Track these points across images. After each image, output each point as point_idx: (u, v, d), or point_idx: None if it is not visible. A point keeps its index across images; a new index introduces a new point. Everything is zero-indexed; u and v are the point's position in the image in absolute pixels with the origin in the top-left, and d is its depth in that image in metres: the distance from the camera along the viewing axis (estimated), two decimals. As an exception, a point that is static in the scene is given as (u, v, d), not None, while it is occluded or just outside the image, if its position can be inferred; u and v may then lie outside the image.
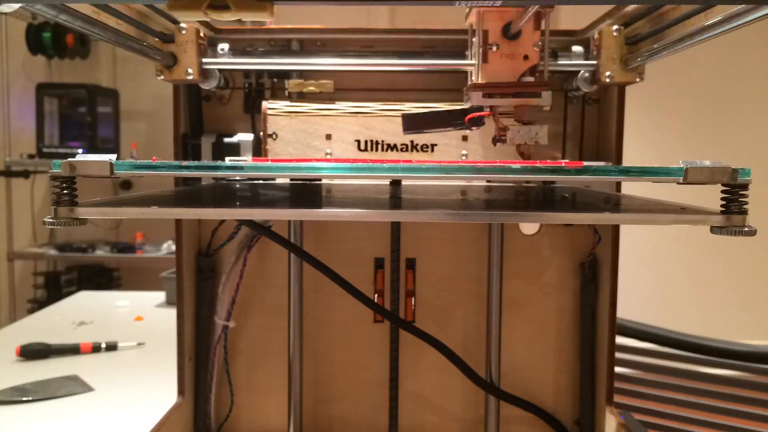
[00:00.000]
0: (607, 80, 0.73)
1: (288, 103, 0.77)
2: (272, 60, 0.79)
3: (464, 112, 0.68)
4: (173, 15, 0.42)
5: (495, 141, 0.72)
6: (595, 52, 0.74)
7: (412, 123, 0.71)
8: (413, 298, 0.85)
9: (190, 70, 0.74)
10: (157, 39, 0.73)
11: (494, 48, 0.66)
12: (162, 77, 0.74)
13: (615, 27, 0.72)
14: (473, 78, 0.69)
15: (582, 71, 0.76)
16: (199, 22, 0.75)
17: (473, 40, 0.69)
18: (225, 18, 0.40)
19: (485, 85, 0.66)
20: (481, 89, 0.66)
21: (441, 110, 0.71)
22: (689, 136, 2.80)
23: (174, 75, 0.74)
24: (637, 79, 0.73)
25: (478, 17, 0.66)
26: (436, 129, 0.71)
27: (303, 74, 0.83)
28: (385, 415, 0.86)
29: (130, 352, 1.22)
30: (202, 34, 0.75)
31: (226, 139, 0.82)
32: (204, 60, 0.75)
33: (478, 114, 0.68)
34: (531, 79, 0.67)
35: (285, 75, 0.83)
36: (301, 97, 0.83)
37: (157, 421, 0.76)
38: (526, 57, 0.66)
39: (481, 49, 0.66)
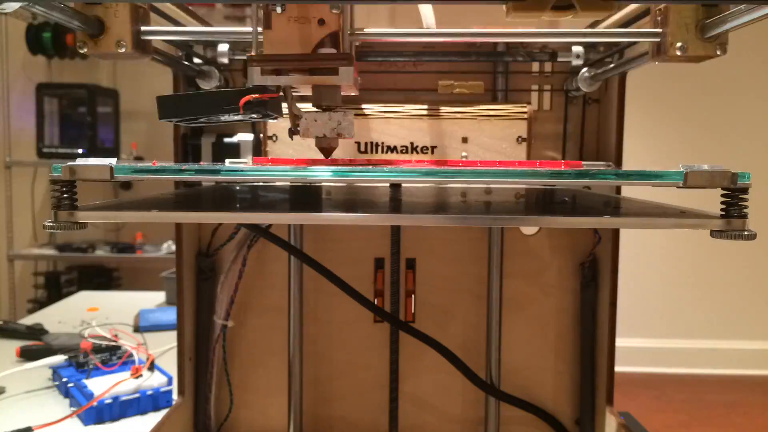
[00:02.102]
0: (678, 53, 0.57)
1: (297, 92, 0.76)
2: (228, 29, 0.70)
3: (240, 94, 0.51)
4: (515, 17, 0.38)
5: (291, 133, 0.58)
6: (660, 18, 0.57)
7: (169, 108, 0.54)
8: (413, 298, 0.85)
9: (122, 42, 0.58)
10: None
11: (279, 9, 0.52)
12: (85, 50, 0.59)
13: None
14: (253, 50, 0.55)
15: (583, 71, 0.76)
16: (199, 21, 0.75)
17: None
18: (568, 17, 0.38)
19: (266, 58, 0.52)
20: (260, 63, 0.52)
21: (207, 92, 0.57)
22: (689, 136, 2.80)
23: (101, 47, 0.58)
24: (718, 52, 0.57)
25: None
26: (202, 116, 0.54)
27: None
28: (385, 416, 0.86)
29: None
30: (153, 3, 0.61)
31: (226, 139, 0.82)
32: (143, 28, 0.60)
33: (257, 96, 0.51)
34: (332, 50, 0.53)
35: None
36: (301, 98, 0.83)
37: (157, 421, 0.76)
38: (321, 22, 0.52)
39: (262, 11, 0.52)
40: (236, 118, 0.53)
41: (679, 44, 0.56)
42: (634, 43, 0.65)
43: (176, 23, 0.72)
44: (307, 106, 0.59)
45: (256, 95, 0.51)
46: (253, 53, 0.53)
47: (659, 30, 0.57)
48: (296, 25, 0.52)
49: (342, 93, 0.58)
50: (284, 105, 0.58)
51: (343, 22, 0.52)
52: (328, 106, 0.56)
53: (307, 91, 0.58)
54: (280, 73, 0.52)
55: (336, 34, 0.52)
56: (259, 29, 0.53)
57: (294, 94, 0.56)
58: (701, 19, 0.55)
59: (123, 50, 0.58)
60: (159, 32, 0.61)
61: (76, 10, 0.56)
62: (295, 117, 0.56)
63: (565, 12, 0.38)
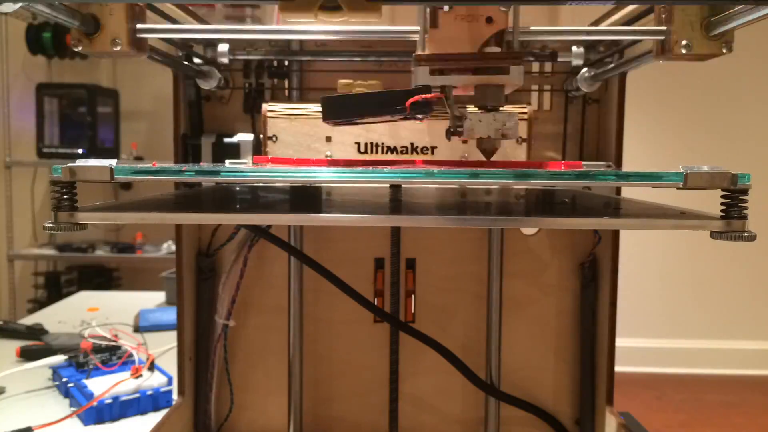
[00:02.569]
0: (683, 51, 0.56)
1: (288, 105, 0.76)
2: (225, 27, 0.72)
3: (405, 95, 0.50)
4: (284, 17, 0.38)
5: (449, 134, 0.56)
6: (664, 16, 0.56)
7: (336, 109, 0.54)
8: (413, 298, 0.85)
9: (118, 40, 0.57)
10: None
11: (446, 7, 0.50)
12: (80, 48, 0.58)
13: None
14: (419, 49, 0.53)
15: (584, 70, 0.76)
16: (199, 21, 0.75)
17: None
18: (336, 19, 0.38)
19: (433, 57, 0.51)
20: (427, 63, 0.51)
21: (375, 93, 0.55)
22: (689, 136, 2.80)
23: (96, 46, 0.57)
24: (724, 50, 0.56)
25: None
26: (368, 117, 0.54)
27: (305, 77, 0.83)
28: (385, 416, 0.86)
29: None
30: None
31: (226, 139, 0.82)
32: (139, 26, 0.59)
33: (423, 96, 0.50)
34: (497, 49, 0.51)
35: (285, 75, 0.83)
36: (303, 98, 0.83)
37: (157, 421, 0.76)
38: (489, 20, 0.50)
39: (428, 9, 0.51)
40: (401, 117, 0.52)
41: (684, 42, 0.55)
42: (638, 41, 0.64)
43: (175, 22, 0.72)
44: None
45: (424, 95, 0.50)
46: (419, 52, 0.52)
47: (664, 28, 0.56)
48: (464, 23, 0.50)
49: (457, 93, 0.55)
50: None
51: (515, 19, 0.51)
52: (493, 107, 0.54)
53: (465, 92, 0.56)
54: (444, 72, 0.51)
55: (502, 32, 0.50)
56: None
57: (453, 93, 0.54)
58: (707, 16, 0.54)
59: (118, 48, 0.57)
60: (155, 30, 0.60)
61: (71, 7, 0.55)
62: (456, 118, 0.54)
63: (332, 13, 0.38)
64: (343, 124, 0.56)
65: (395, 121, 0.55)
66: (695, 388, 2.66)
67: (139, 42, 0.59)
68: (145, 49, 0.60)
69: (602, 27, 0.68)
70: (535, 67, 0.83)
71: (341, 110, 0.53)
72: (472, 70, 0.50)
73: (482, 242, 0.85)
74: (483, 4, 0.52)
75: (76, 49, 0.58)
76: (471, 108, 0.57)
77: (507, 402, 0.84)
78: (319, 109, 0.75)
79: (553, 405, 0.87)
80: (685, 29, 0.55)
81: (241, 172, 0.48)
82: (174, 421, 0.80)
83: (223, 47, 0.78)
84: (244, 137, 0.81)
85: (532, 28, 0.63)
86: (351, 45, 0.82)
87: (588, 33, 0.65)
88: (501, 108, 0.55)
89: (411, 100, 0.49)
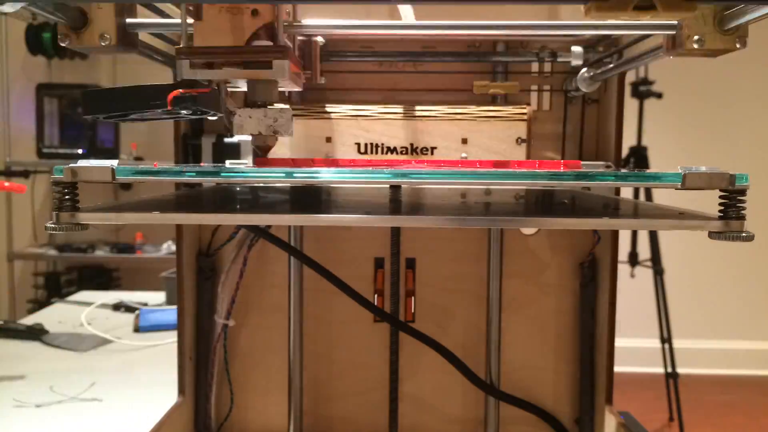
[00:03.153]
0: (695, 46, 0.54)
1: (235, 87, 0.75)
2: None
3: (167, 89, 0.48)
4: (597, 17, 0.37)
5: (225, 130, 0.55)
6: None
7: (95, 104, 0.51)
8: (413, 298, 0.85)
9: (106, 35, 0.55)
10: None
11: None
12: (67, 43, 0.56)
13: None
14: (182, 42, 0.52)
15: (583, 71, 0.76)
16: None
17: None
18: (649, 19, 0.37)
19: (195, 50, 0.49)
20: (189, 56, 0.49)
21: (134, 87, 0.51)
22: (689, 136, 2.80)
23: (84, 40, 0.55)
24: (738, 45, 0.54)
25: None
26: (129, 111, 0.50)
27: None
28: (385, 415, 0.86)
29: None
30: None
31: (227, 139, 0.82)
32: (128, 21, 0.56)
33: (185, 91, 0.47)
34: (267, 43, 0.50)
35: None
36: (303, 99, 0.83)
37: (157, 421, 0.76)
38: (255, 12, 0.49)
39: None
40: (167, 114, 0.49)
41: (696, 37, 0.53)
42: (648, 36, 0.62)
43: (167, 17, 0.71)
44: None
45: (185, 90, 0.47)
46: (181, 45, 0.50)
47: (675, 22, 0.54)
48: (228, 15, 0.49)
49: (282, 89, 0.56)
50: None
51: (279, 13, 0.49)
52: (263, 102, 0.53)
53: (242, 85, 0.55)
54: (212, 66, 0.49)
55: (271, 26, 0.49)
56: (189, 20, 0.50)
57: (230, 89, 0.53)
58: (720, 10, 0.52)
59: (106, 43, 0.55)
60: (145, 25, 0.58)
61: (56, 2, 0.53)
62: (229, 113, 0.53)
63: (646, 12, 0.37)
64: (106, 119, 0.52)
65: (161, 117, 0.51)
66: (695, 388, 2.66)
67: (128, 37, 0.56)
68: (135, 45, 0.58)
69: (611, 22, 0.67)
70: (535, 67, 0.83)
71: (102, 105, 0.51)
72: (242, 64, 0.49)
73: (482, 242, 0.85)
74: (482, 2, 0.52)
75: (62, 44, 0.56)
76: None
77: (506, 401, 0.85)
78: (320, 109, 0.76)
79: (552, 404, 0.87)
80: (697, 23, 0.53)
81: (242, 172, 0.48)
82: (174, 420, 0.80)
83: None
84: (245, 137, 0.81)
85: (537, 22, 0.62)
86: (351, 45, 0.82)
87: (596, 27, 0.63)
88: (275, 105, 0.54)
89: (171, 94, 0.47)
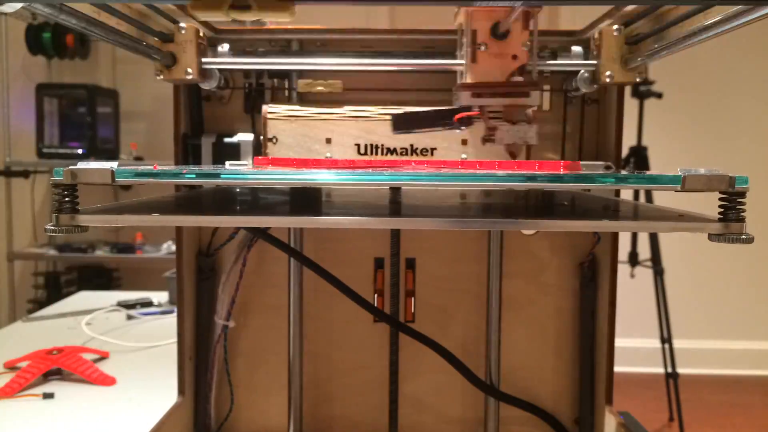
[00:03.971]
0: (608, 80, 0.73)
1: (288, 107, 0.77)
2: (271, 60, 0.79)
3: (453, 112, 0.69)
4: (195, 15, 0.41)
5: (484, 140, 0.73)
6: (595, 52, 0.74)
7: (402, 123, 0.72)
8: (413, 298, 0.85)
9: (189, 70, 0.74)
10: (156, 39, 0.73)
11: (483, 48, 0.66)
12: (161, 77, 0.74)
13: (615, 27, 0.72)
14: (462, 78, 0.69)
15: (582, 71, 0.76)
16: (199, 21, 0.75)
17: (462, 40, 0.69)
18: (246, 18, 0.40)
19: (474, 85, 0.67)
20: (469, 89, 0.67)
21: (430, 110, 0.71)
22: (689, 136, 2.80)
23: (173, 75, 0.74)
24: (638, 79, 0.73)
25: (467, 17, 0.67)
26: (425, 128, 0.72)
27: (305, 74, 0.83)
28: (385, 415, 0.86)
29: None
30: (201, 34, 0.75)
31: (227, 139, 0.82)
32: (204, 60, 0.75)
33: (467, 114, 0.68)
34: (520, 78, 0.67)
35: (285, 75, 0.83)
36: (302, 99, 0.83)
37: (157, 421, 0.76)
38: (514, 57, 0.67)
39: (469, 49, 0.67)
40: (448, 128, 0.71)
41: (608, 73, 0.73)
42: (577, 71, 0.76)
43: (176, 23, 0.72)
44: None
45: (468, 113, 0.68)
46: (464, 81, 0.69)
47: (595, 61, 0.74)
48: (495, 59, 0.67)
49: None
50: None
51: (532, 55, 0.67)
52: (519, 120, 0.70)
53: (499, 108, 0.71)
54: (480, 95, 0.67)
55: (523, 66, 0.67)
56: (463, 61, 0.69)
57: (488, 111, 0.70)
58: (624, 53, 0.72)
59: (190, 77, 0.74)
60: (216, 63, 0.76)
61: (155, 46, 0.71)
62: (490, 129, 0.71)
63: (241, 12, 0.40)
64: (406, 133, 0.74)
65: (444, 130, 0.72)
66: (696, 388, 2.66)
67: (204, 71, 0.76)
68: (208, 76, 0.77)
69: (548, 62, 0.78)
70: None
71: (408, 123, 0.72)
72: (502, 94, 0.67)
73: (482, 242, 0.85)
74: (490, 4, 0.57)
75: (158, 78, 0.74)
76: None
77: (506, 402, 0.85)
78: (319, 110, 0.77)
79: (552, 404, 0.87)
80: (609, 63, 0.72)
81: (241, 174, 0.48)
82: (174, 420, 0.80)
83: (223, 48, 0.78)
84: (245, 137, 0.82)
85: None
86: (351, 45, 0.82)
87: (537, 65, 0.75)
88: (523, 122, 0.70)
89: (458, 116, 0.68)
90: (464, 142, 0.76)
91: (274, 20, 0.42)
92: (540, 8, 0.67)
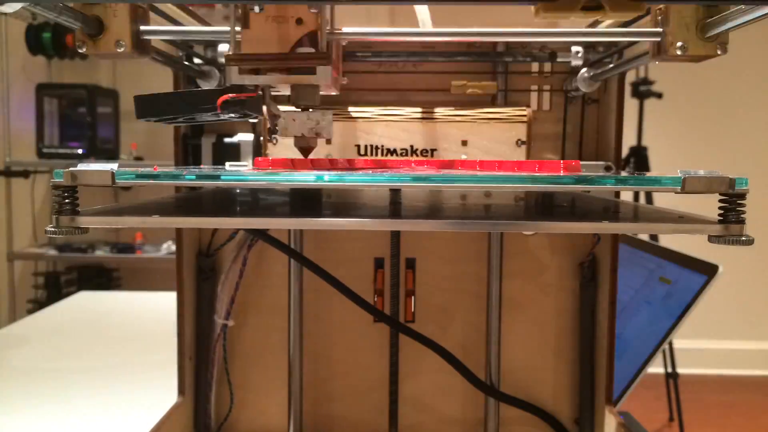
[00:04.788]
0: (678, 53, 0.57)
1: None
2: (226, 29, 0.71)
3: (218, 94, 0.51)
4: (546, 17, 0.38)
5: (270, 133, 0.59)
6: (660, 18, 0.58)
7: (147, 107, 0.55)
8: (413, 298, 0.85)
9: (121, 42, 0.58)
10: None
11: (256, 8, 0.52)
12: (84, 50, 0.59)
13: None
14: (230, 49, 0.54)
15: (583, 71, 0.76)
16: (199, 21, 0.75)
17: None
18: (599, 17, 0.37)
19: (244, 57, 0.52)
20: (237, 62, 0.52)
21: (185, 92, 0.57)
22: (689, 136, 2.80)
23: (100, 47, 0.58)
24: (719, 52, 0.57)
25: None
26: (180, 115, 0.54)
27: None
28: (385, 416, 0.86)
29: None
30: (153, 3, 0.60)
31: (227, 140, 0.82)
32: (142, 28, 0.59)
33: (234, 96, 0.50)
34: (310, 50, 0.52)
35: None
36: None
37: (157, 421, 0.76)
38: (299, 21, 0.52)
39: (240, 10, 0.52)
40: (215, 117, 0.52)
41: (679, 44, 0.56)
42: (635, 42, 0.65)
43: (176, 23, 0.72)
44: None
45: (234, 95, 0.50)
46: (230, 52, 0.53)
47: (660, 30, 0.57)
48: (274, 24, 0.51)
49: (322, 92, 0.58)
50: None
51: (322, 21, 0.52)
52: (307, 106, 0.56)
53: (288, 91, 0.58)
54: (258, 72, 0.52)
55: (314, 34, 0.51)
56: (237, 28, 0.53)
57: (274, 93, 0.56)
58: (702, 18, 0.55)
59: (122, 50, 0.58)
60: (158, 32, 0.60)
61: (75, 9, 0.55)
62: (274, 116, 0.56)
63: (594, 12, 0.38)
64: (157, 122, 0.56)
65: (212, 121, 0.55)
66: (695, 388, 2.66)
67: (142, 43, 0.59)
68: (149, 51, 0.60)
69: (599, 29, 0.70)
70: (535, 67, 0.83)
71: (154, 109, 0.54)
72: (285, 70, 0.52)
73: (482, 242, 0.85)
74: (497, 3, 0.53)
75: (80, 51, 0.58)
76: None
77: (506, 402, 0.85)
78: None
79: (552, 405, 0.87)
80: (680, 31, 0.56)
81: (241, 176, 0.48)
82: (174, 420, 0.80)
83: (223, 47, 0.78)
84: (245, 137, 0.82)
85: (524, 30, 0.64)
86: (350, 45, 0.82)
87: (584, 35, 0.66)
88: (317, 108, 0.57)
89: (221, 99, 0.50)
90: (464, 143, 0.76)
91: (620, 20, 0.39)
92: None
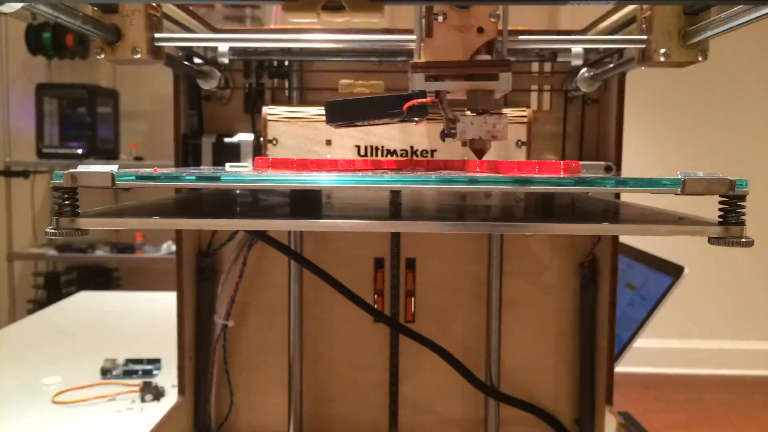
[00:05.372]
0: (662, 59, 0.60)
1: (288, 108, 0.77)
2: (235, 36, 0.73)
3: (402, 99, 0.55)
4: (288, 17, 0.39)
5: (443, 135, 0.61)
6: (645, 26, 0.60)
7: (337, 113, 0.58)
8: (413, 298, 0.85)
9: (138, 48, 0.62)
10: (96, 8, 0.61)
11: (440, 18, 0.54)
12: (103, 56, 0.63)
13: None
14: (415, 56, 0.58)
15: (583, 71, 0.76)
16: (199, 21, 0.75)
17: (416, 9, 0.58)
18: (339, 19, 0.38)
19: (428, 65, 0.55)
20: (423, 70, 0.55)
21: (373, 97, 0.59)
22: (689, 136, 2.80)
23: (118, 53, 0.62)
24: (699, 58, 0.60)
25: None
26: (368, 120, 0.58)
27: (305, 77, 0.83)
28: (385, 416, 0.86)
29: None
30: (154, 4, 0.64)
31: (227, 140, 0.82)
32: (156, 35, 0.63)
33: (419, 101, 0.54)
34: (488, 57, 0.55)
35: (286, 75, 0.83)
36: (303, 100, 0.83)
37: (157, 421, 0.76)
38: (480, 30, 0.54)
39: (423, 20, 0.55)
40: (398, 119, 0.56)
41: (662, 50, 0.59)
42: (622, 49, 0.68)
43: (178, 24, 0.72)
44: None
45: (421, 100, 0.54)
46: (416, 60, 0.56)
47: (645, 37, 0.60)
48: (456, 33, 0.54)
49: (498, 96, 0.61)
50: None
51: (504, 29, 0.55)
52: (484, 110, 0.58)
53: (457, 96, 0.59)
54: (438, 78, 0.55)
55: (492, 42, 0.54)
56: (418, 36, 0.56)
57: (448, 98, 0.58)
58: (683, 26, 0.59)
59: (138, 56, 0.62)
60: (171, 39, 0.64)
61: (94, 18, 0.59)
62: (449, 120, 0.58)
63: (335, 13, 0.38)
64: (344, 126, 0.60)
65: (394, 123, 0.59)
66: (695, 388, 2.66)
67: (157, 50, 0.63)
68: (163, 57, 0.64)
69: (588, 36, 0.71)
70: (535, 67, 0.83)
71: (343, 114, 0.57)
72: (465, 76, 0.54)
73: (482, 242, 0.85)
74: (484, 3, 0.54)
75: (99, 57, 0.62)
76: (468, 112, 0.61)
77: (506, 402, 0.85)
78: (320, 112, 0.76)
79: (552, 405, 0.87)
80: (663, 38, 0.59)
81: (241, 177, 0.49)
82: (174, 421, 0.80)
83: (223, 47, 0.78)
84: (245, 137, 0.82)
85: (519, 37, 0.66)
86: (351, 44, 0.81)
87: (573, 42, 0.69)
88: (492, 111, 0.59)
89: (408, 104, 0.53)
90: (464, 143, 0.75)
91: (365, 21, 0.40)
92: None
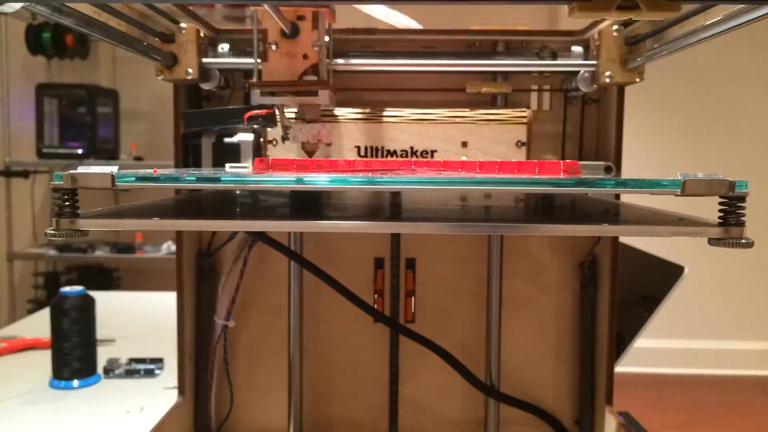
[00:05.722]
0: (607, 80, 0.72)
1: (288, 109, 0.77)
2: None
3: (245, 110, 0.68)
4: (580, 17, 0.40)
5: (283, 138, 0.74)
6: (595, 53, 0.74)
7: (193, 121, 0.73)
8: (413, 298, 0.85)
9: (190, 70, 0.75)
10: (157, 39, 0.73)
11: (273, 47, 0.67)
12: (162, 77, 0.75)
13: (615, 27, 0.72)
14: (254, 77, 0.70)
15: (582, 71, 0.76)
16: (200, 22, 0.75)
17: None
18: (634, 17, 0.39)
19: (264, 83, 0.68)
20: (260, 87, 0.68)
21: (222, 109, 0.73)
22: (688, 136, 2.80)
23: (174, 75, 0.75)
24: (637, 80, 0.72)
25: (259, 17, 0.68)
26: (218, 126, 0.72)
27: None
28: (385, 416, 0.86)
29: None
30: (202, 34, 0.76)
31: (227, 140, 0.82)
32: (204, 60, 0.76)
33: (257, 112, 0.67)
34: (313, 78, 0.68)
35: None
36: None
37: (158, 421, 0.76)
38: (305, 56, 0.67)
39: (260, 48, 0.68)
40: (242, 126, 0.70)
41: (607, 73, 0.72)
42: (576, 72, 0.77)
43: (177, 23, 0.72)
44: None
45: (257, 111, 0.67)
46: (254, 80, 0.69)
47: (594, 62, 0.74)
48: (286, 58, 0.67)
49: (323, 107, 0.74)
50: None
51: (321, 55, 0.67)
52: (311, 119, 0.72)
53: (295, 107, 0.73)
54: (274, 94, 0.68)
55: (316, 65, 0.67)
56: (259, 60, 0.69)
57: (285, 110, 0.72)
58: (624, 54, 0.72)
59: (190, 77, 0.75)
60: (217, 63, 0.77)
61: (155, 46, 0.72)
62: (286, 127, 0.72)
63: (629, 12, 0.39)
64: (199, 131, 0.78)
65: (240, 129, 0.76)
66: (695, 388, 2.66)
67: (205, 71, 0.77)
68: (211, 77, 0.78)
69: (547, 61, 0.78)
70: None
71: (196, 122, 0.72)
72: (293, 93, 0.68)
73: (482, 242, 0.85)
74: (483, 3, 0.55)
75: (159, 78, 0.75)
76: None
77: (506, 402, 0.85)
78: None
79: (552, 405, 0.87)
80: (608, 63, 0.72)
81: (241, 178, 0.49)
82: (174, 421, 0.80)
83: (223, 48, 0.78)
84: (245, 137, 0.81)
85: (479, 61, 0.78)
86: (351, 45, 0.82)
87: (534, 66, 0.78)
88: (318, 120, 0.73)
89: (248, 114, 0.67)
90: (464, 144, 0.75)
91: (658, 19, 0.40)
92: (327, 8, 0.67)
